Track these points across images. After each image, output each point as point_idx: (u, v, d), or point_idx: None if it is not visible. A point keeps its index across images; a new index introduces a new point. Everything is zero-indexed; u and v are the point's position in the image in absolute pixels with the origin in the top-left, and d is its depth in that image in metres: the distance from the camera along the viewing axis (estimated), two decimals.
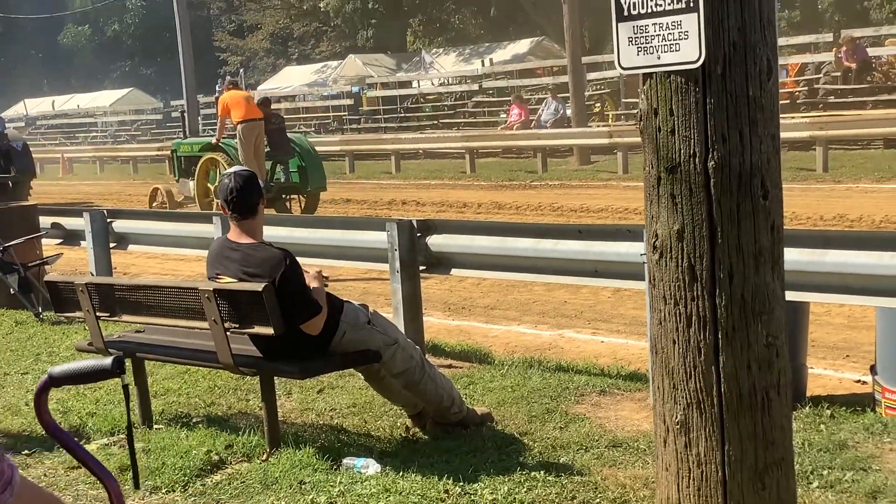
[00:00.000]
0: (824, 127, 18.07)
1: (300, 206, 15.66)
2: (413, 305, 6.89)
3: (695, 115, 2.94)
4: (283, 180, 15.42)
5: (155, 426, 5.57)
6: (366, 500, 4.28)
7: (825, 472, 4.37)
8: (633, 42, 3.05)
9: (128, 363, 5.39)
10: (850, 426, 4.98)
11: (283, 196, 15.43)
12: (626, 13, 3.05)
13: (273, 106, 19.49)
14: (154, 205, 16.67)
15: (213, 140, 15.81)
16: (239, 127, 14.81)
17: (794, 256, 4.88)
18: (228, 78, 16.66)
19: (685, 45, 2.92)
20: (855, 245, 5.19)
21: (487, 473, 4.53)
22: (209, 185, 15.27)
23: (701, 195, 2.94)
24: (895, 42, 24.01)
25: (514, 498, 4.23)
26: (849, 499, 4.11)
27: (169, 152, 16.38)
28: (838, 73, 23.40)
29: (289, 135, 15.97)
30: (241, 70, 48.44)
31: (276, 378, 5.20)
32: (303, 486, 4.52)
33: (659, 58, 2.99)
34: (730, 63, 2.90)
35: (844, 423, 5.03)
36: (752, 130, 2.94)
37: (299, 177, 15.49)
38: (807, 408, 5.21)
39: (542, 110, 26.04)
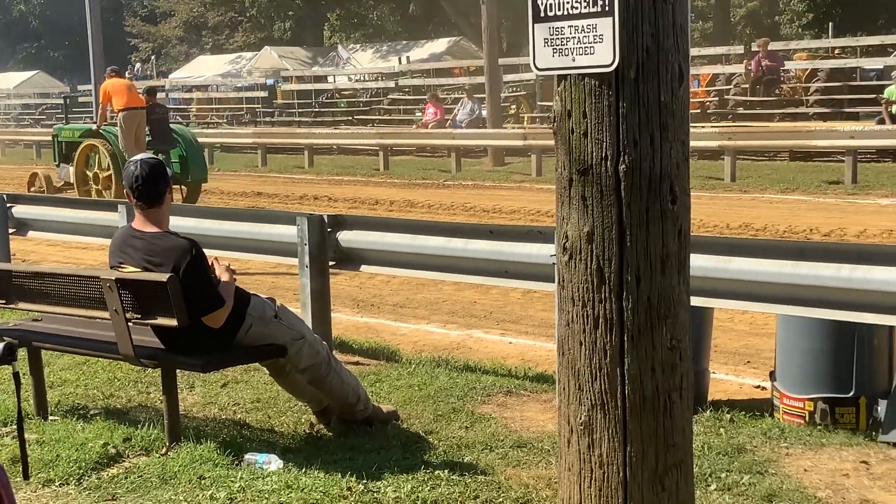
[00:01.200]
0: (733, 137, 18.45)
1: (181, 196, 15.72)
2: (321, 301, 6.82)
3: (607, 119, 2.95)
4: None
5: (50, 417, 5.42)
6: (267, 496, 4.22)
7: (723, 475, 4.44)
8: (549, 43, 3.05)
9: (23, 352, 5.25)
10: (748, 430, 5.07)
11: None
12: (542, 14, 3.05)
13: (185, 96, 19.68)
14: (32, 190, 16.82)
15: (94, 126, 15.99)
16: (120, 115, 15.00)
17: (699, 262, 4.95)
18: (110, 67, 16.85)
19: (600, 49, 2.93)
20: (759, 253, 5.28)
21: (391, 471, 4.51)
22: (88, 171, 15.55)
23: (611, 198, 2.96)
24: (802, 57, 24.65)
25: (418, 496, 4.21)
26: (745, 501, 4.18)
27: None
28: (748, 85, 23.92)
29: (172, 126, 16.21)
30: (153, 58, 47.67)
31: (178, 371, 5.09)
32: (202, 482, 4.43)
33: (574, 60, 3.00)
34: (643, 68, 2.92)
35: (743, 427, 5.13)
36: (663, 135, 2.97)
37: (180, 167, 15.58)
38: (707, 412, 5.30)
39: (458, 110, 26.11)
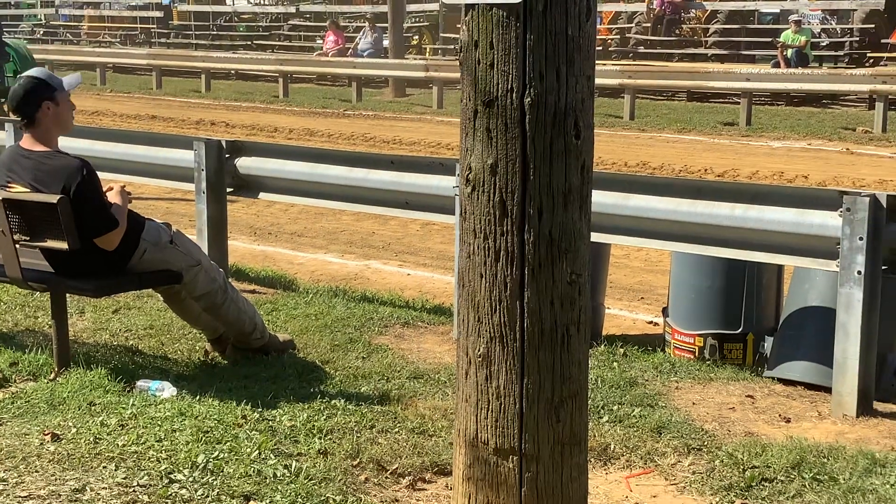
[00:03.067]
0: (633, 76, 18.64)
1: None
2: (218, 228, 6.71)
3: (514, 51, 2.92)
4: None
5: None
6: (159, 423, 4.16)
7: (615, 408, 4.54)
8: None
9: None
10: (640, 365, 5.19)
11: (1, 100, 15.69)
12: None
13: (76, 12, 19.41)
14: None
15: None
16: None
17: (598, 199, 4.98)
18: None
19: None
20: (657, 191, 5.36)
21: (287, 400, 4.49)
22: None
23: (516, 131, 2.94)
24: None
25: (313, 425, 4.20)
26: (636, 433, 4.28)
27: None
28: (649, 24, 24.13)
29: (6, 40, 16.12)
30: None
31: (68, 296, 4.96)
32: (92, 408, 4.35)
33: None
34: (551, 1, 2.89)
35: (636, 361, 5.24)
36: (569, 70, 2.95)
37: (14, 81, 15.30)
38: (602, 346, 5.40)
39: (360, 39, 25.77)
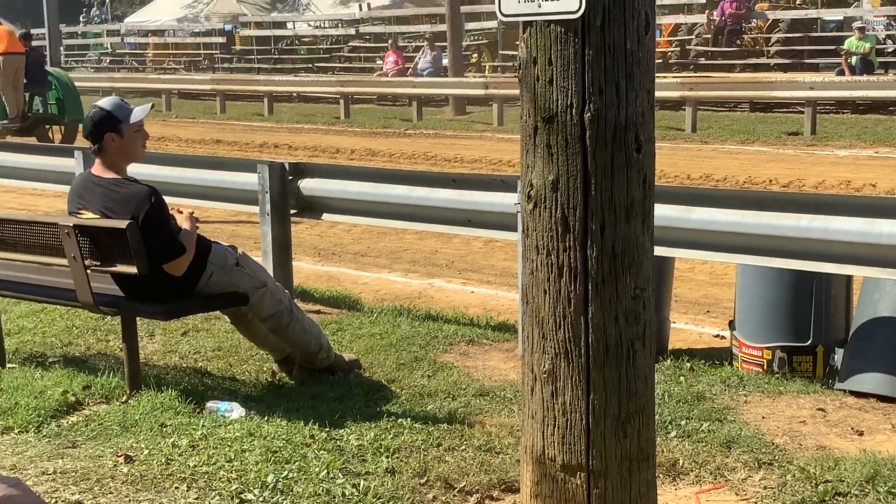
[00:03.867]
0: (694, 88, 18.49)
1: (60, 136, 16.59)
2: (283, 249, 6.78)
3: (573, 66, 2.92)
4: (41, 111, 16.50)
5: (8, 365, 5.37)
6: (229, 443, 4.21)
7: (683, 423, 4.49)
8: None
9: None
10: (708, 379, 5.13)
11: (45, 126, 16.60)
12: None
13: (140, 40, 20.35)
14: None
15: None
16: (0, 59, 15.52)
17: (661, 212, 4.96)
18: None
19: None
20: (720, 203, 5.31)
21: (354, 419, 4.51)
22: None
23: (576, 146, 2.94)
24: (764, 7, 24.68)
25: (381, 444, 4.22)
26: (705, 448, 4.23)
27: None
28: (709, 36, 23.95)
29: (49, 69, 17.09)
30: (108, 0, 46.77)
31: (138, 319, 5.05)
32: (164, 429, 4.42)
33: (539, 6, 2.96)
34: (609, 15, 2.89)
35: (703, 375, 5.18)
36: (629, 84, 2.95)
37: (57, 109, 16.44)
38: (668, 360, 5.35)
39: (419, 58, 25.92)
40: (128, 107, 4.91)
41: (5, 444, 4.35)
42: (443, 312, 6.63)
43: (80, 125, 16.41)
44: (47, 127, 16.70)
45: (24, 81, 15.85)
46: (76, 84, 17.50)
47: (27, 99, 16.23)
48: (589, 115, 2.90)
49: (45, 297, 5.42)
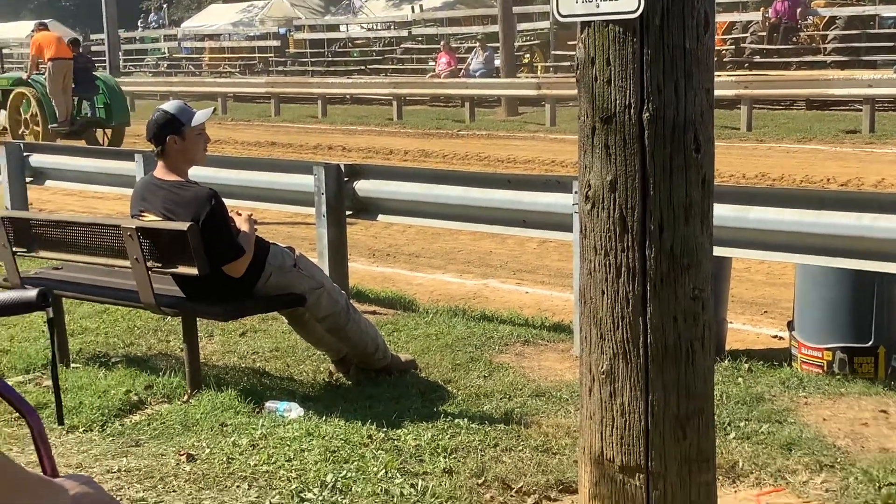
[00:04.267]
0: (749, 86, 18.29)
1: (107, 140, 17.34)
2: (339, 250, 6.84)
3: (631, 66, 2.91)
4: (89, 115, 17.11)
5: (72, 365, 5.47)
6: (288, 443, 4.25)
7: (742, 424, 4.46)
8: None
9: None
10: (766, 380, 5.08)
11: (93, 129, 17.26)
12: None
13: (197, 45, 21.12)
14: None
15: (24, 76, 17.28)
16: (49, 64, 16.21)
17: (718, 212, 4.90)
18: (37, 22, 18.64)
19: None
20: (778, 203, 5.26)
21: (411, 420, 4.54)
22: (19, 116, 17.06)
23: (635, 146, 2.93)
24: (820, 4, 24.35)
25: (438, 444, 4.24)
26: (764, 450, 4.20)
27: None
28: (764, 33, 23.68)
29: (96, 74, 17.58)
30: (164, 6, 47.39)
31: (198, 320, 5.12)
32: (224, 428, 4.47)
33: (598, 6, 2.96)
34: (668, 14, 2.88)
35: (761, 376, 5.14)
36: (688, 83, 2.93)
37: (105, 112, 17.07)
38: (726, 361, 5.31)
39: (471, 59, 25.94)
40: (191, 110, 4.98)
41: (70, 442, 4.43)
42: (497, 313, 6.63)
43: (126, 128, 17.25)
44: (95, 130, 17.27)
45: (73, 86, 16.42)
46: (135, 88, 17.91)
47: (76, 103, 16.78)
48: (647, 114, 2.89)
49: (107, 298, 5.52)
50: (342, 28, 34.60)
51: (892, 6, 23.75)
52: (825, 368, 5.27)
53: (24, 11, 54.26)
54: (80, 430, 4.57)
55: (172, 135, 4.87)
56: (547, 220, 6.02)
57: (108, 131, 17.31)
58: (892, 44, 21.99)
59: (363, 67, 30.99)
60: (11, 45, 43.52)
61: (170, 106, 5.00)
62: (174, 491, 3.87)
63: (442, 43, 27.53)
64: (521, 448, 4.24)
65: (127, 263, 4.95)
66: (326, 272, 6.33)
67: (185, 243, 4.66)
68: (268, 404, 4.76)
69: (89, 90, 16.89)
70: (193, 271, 4.73)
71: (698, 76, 2.95)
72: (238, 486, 3.90)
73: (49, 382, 5.00)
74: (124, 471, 4.05)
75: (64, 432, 4.52)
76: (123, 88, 18.37)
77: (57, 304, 5.48)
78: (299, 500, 3.78)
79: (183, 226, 4.66)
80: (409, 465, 4.06)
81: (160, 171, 4.95)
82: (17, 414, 1.97)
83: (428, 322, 6.28)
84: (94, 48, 37.08)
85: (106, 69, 32.38)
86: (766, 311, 6.94)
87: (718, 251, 5.03)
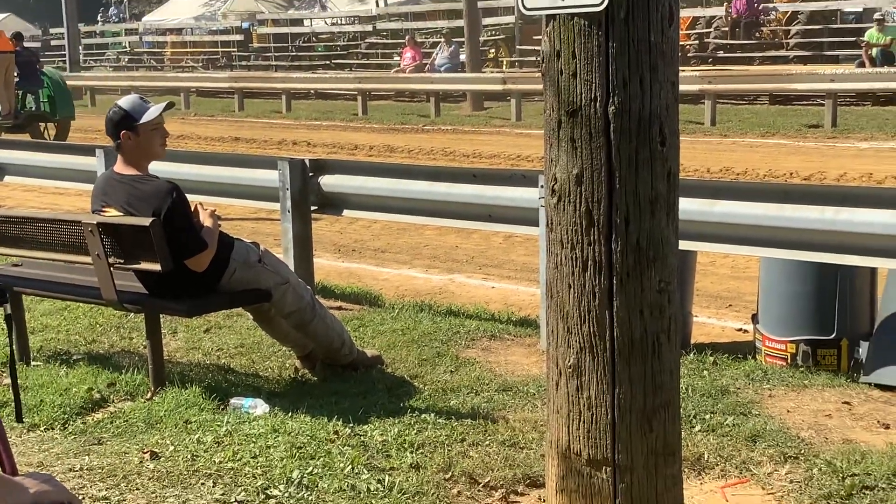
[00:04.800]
0: (713, 81, 18.42)
1: (53, 133, 17.28)
2: (304, 246, 6.80)
3: (597, 59, 2.91)
4: (33, 109, 17.11)
5: (33, 363, 5.40)
6: (254, 439, 4.22)
7: (707, 417, 4.48)
8: None
9: None
10: (731, 373, 5.11)
11: (37, 123, 17.21)
12: None
13: (158, 39, 21.03)
14: None
15: None
16: None
17: (684, 206, 4.91)
18: None
19: None
20: (743, 196, 5.28)
21: (377, 415, 4.52)
22: None
23: (600, 140, 2.93)
24: (784, 0, 24.56)
25: (405, 439, 4.22)
26: (729, 442, 4.22)
27: None
28: (728, 28, 23.84)
29: (41, 68, 17.63)
30: (125, 0, 46.94)
31: (161, 316, 5.07)
32: (188, 426, 4.43)
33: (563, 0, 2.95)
34: (633, 7, 2.88)
35: (727, 369, 5.16)
36: (653, 76, 2.93)
37: (49, 106, 17.10)
38: (691, 354, 5.33)
39: (436, 54, 25.91)
40: (145, 105, 4.91)
41: (32, 440, 4.37)
42: (464, 308, 6.62)
43: (70, 121, 17.20)
44: (39, 124, 17.27)
45: (17, 80, 16.47)
46: (96, 83, 17.72)
47: (20, 97, 16.79)
48: (613, 108, 2.89)
49: (69, 295, 5.45)
50: (306, 22, 34.45)
51: (852, 1, 24.01)
52: (789, 361, 5.30)
53: None
54: (42, 428, 4.51)
55: (126, 130, 4.81)
56: (513, 214, 6.01)
57: (54, 125, 17.34)
58: (853, 38, 22.21)
59: (328, 62, 30.90)
60: None
61: (124, 101, 4.93)
62: (137, 489, 3.83)
63: (407, 38, 27.48)
64: (488, 443, 4.23)
65: (88, 260, 4.89)
66: (292, 268, 6.29)
67: (147, 239, 4.60)
68: (233, 401, 4.72)
69: (33, 84, 16.94)
70: (156, 267, 4.67)
71: (663, 69, 2.95)
72: (203, 484, 3.86)
73: (8, 380, 4.93)
74: (86, 469, 4.00)
75: (25, 430, 4.46)
76: (83, 83, 18.22)
77: (17, 301, 5.40)
78: (265, 496, 3.75)
79: (145, 221, 4.60)
80: (375, 461, 4.03)
81: (120, 166, 4.89)
82: None
83: (394, 317, 6.25)
84: (53, 42, 36.66)
85: (66, 63, 32.06)
86: (730, 305, 6.98)
87: (684, 245, 5.04)
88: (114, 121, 4.84)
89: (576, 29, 2.93)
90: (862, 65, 20.03)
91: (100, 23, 42.81)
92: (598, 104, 2.91)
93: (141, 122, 4.82)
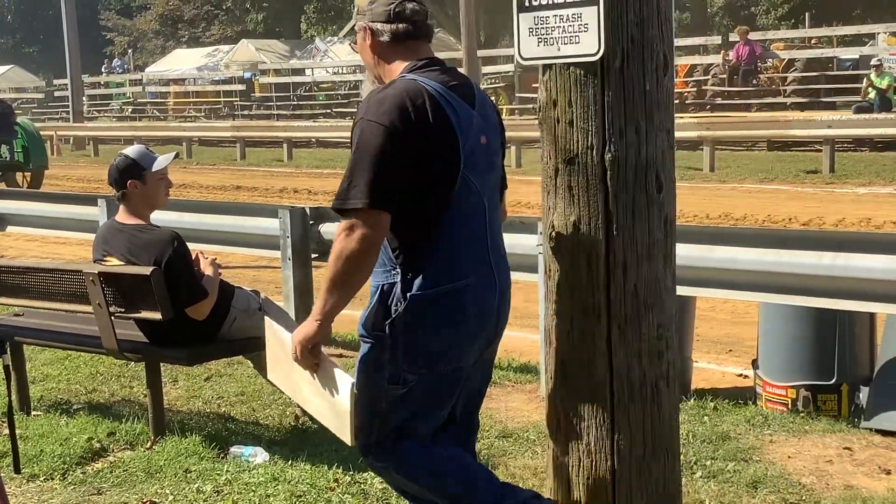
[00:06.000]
0: (711, 127, 18.50)
1: (27, 183, 17.71)
2: (305, 293, 6.81)
3: (593, 108, 2.95)
4: (7, 159, 17.42)
5: (33, 412, 5.40)
6: (253, 488, 4.21)
7: (708, 463, 4.47)
8: (534, 33, 3.04)
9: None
10: (732, 418, 5.10)
11: (13, 172, 17.60)
12: (527, 4, 3.05)
13: (162, 89, 21.30)
14: None
15: None
16: None
17: (683, 251, 4.96)
18: None
19: (585, 38, 2.93)
20: (741, 242, 5.30)
21: None
22: None
23: (597, 187, 2.96)
24: (780, 47, 24.75)
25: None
26: (731, 488, 4.21)
27: None
28: (725, 76, 24.01)
29: (17, 120, 17.97)
30: (130, 51, 47.37)
31: (162, 365, 5.07)
32: (188, 475, 4.42)
33: (559, 49, 2.99)
34: (628, 57, 2.92)
35: (727, 415, 5.15)
36: (649, 125, 2.97)
37: (23, 156, 17.49)
38: (691, 400, 5.32)
39: None
40: (152, 155, 4.98)
41: (31, 491, 4.36)
42: None
43: (45, 171, 17.43)
44: (14, 173, 17.63)
45: None
46: (99, 133, 17.89)
47: None
48: (609, 155, 2.92)
49: (69, 345, 5.46)
50: (307, 72, 34.70)
51: (849, 49, 24.21)
52: (789, 406, 5.29)
53: None
54: (41, 478, 4.50)
55: (133, 179, 4.86)
56: (511, 260, 5.95)
57: (28, 174, 17.73)
58: (850, 85, 22.36)
59: (329, 111, 31.07)
60: None
61: (131, 151, 4.99)
62: None
63: None
64: None
65: (89, 309, 4.91)
66: (292, 315, 6.30)
67: (148, 288, 4.62)
68: (233, 449, 4.72)
69: (8, 134, 17.28)
70: (157, 316, 4.69)
71: (659, 117, 2.98)
72: None
73: (7, 431, 4.93)
74: None
75: (24, 481, 4.45)
76: (87, 133, 18.40)
77: (17, 351, 5.41)
78: None
79: (146, 270, 4.63)
80: None
81: (122, 216, 4.93)
82: None
83: None
84: (56, 94, 36.86)
85: (69, 114, 32.28)
86: (730, 350, 6.98)
87: (683, 290, 5.06)
88: (120, 169, 4.89)
89: (572, 78, 2.97)
90: (861, 109, 20.11)
91: (104, 73, 43.16)
92: (594, 152, 2.94)
93: (152, 170, 4.87)
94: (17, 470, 3.87)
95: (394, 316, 3.16)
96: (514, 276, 6.16)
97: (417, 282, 3.12)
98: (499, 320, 3.36)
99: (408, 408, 3.20)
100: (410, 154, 3.05)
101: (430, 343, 3.15)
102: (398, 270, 3.15)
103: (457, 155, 3.11)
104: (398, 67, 3.24)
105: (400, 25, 3.24)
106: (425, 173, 3.08)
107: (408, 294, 3.12)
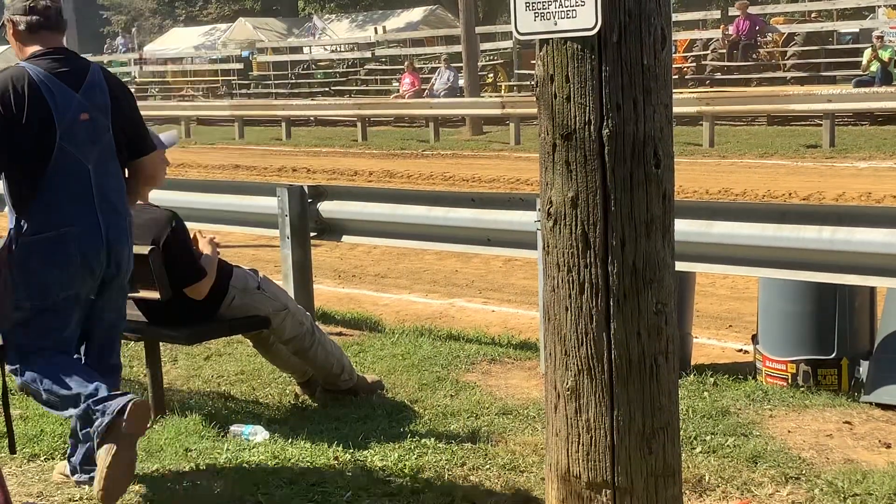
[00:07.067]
0: (711, 103, 18.46)
1: None
2: (303, 272, 6.80)
3: (590, 83, 2.93)
4: None
5: None
6: (254, 466, 4.21)
7: (708, 438, 4.47)
8: (531, 7, 3.02)
9: None
10: (732, 393, 5.10)
11: None
12: None
13: (159, 68, 20.53)
14: None
15: None
16: None
17: (682, 227, 4.94)
18: None
19: (582, 12, 2.91)
20: (741, 217, 5.29)
21: (377, 440, 4.51)
22: None
23: (595, 163, 2.94)
24: (779, 21, 24.65)
25: (405, 464, 4.22)
26: (730, 463, 4.21)
27: None
28: (725, 51, 23.93)
29: None
30: (134, 29, 47.19)
31: (161, 344, 5.07)
32: (188, 454, 4.42)
33: (556, 24, 2.97)
34: (625, 31, 2.90)
35: (727, 390, 5.16)
36: (647, 99, 2.94)
37: None
38: (691, 376, 5.33)
39: (435, 79, 26.01)
40: (155, 135, 4.93)
41: (32, 470, 4.36)
42: (464, 332, 6.62)
43: None
44: None
45: None
46: None
47: None
48: (607, 131, 2.90)
49: None
50: (305, 50, 34.59)
51: (849, 22, 24.11)
52: (789, 381, 5.30)
53: None
54: (41, 458, 4.50)
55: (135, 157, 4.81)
56: (511, 238, 6.02)
57: None
58: (850, 59, 22.28)
59: (327, 89, 31.00)
60: None
61: None
62: None
63: (405, 63, 27.59)
64: (488, 467, 4.23)
65: None
66: (291, 294, 6.29)
67: (146, 267, 4.61)
68: (233, 428, 4.72)
69: None
70: (155, 295, 4.68)
71: (657, 92, 2.96)
72: None
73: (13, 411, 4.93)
74: (87, 499, 3.99)
75: (25, 461, 4.45)
76: None
77: None
78: None
79: (144, 249, 4.61)
80: (375, 487, 4.03)
81: None
82: None
83: (394, 342, 6.25)
84: None
85: None
86: (730, 325, 6.98)
87: (682, 266, 5.06)
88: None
89: (569, 53, 2.94)
90: (861, 83, 20.02)
91: (106, 53, 42.99)
92: (591, 127, 2.92)
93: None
94: (13, 451, 3.88)
95: (12, 254, 3.85)
96: (514, 252, 6.23)
97: (25, 228, 3.86)
98: (109, 263, 3.99)
99: (30, 330, 3.91)
100: (6, 125, 3.78)
101: (38, 276, 3.88)
102: (16, 218, 3.88)
103: (52, 127, 3.82)
104: (28, 54, 3.96)
105: (33, 18, 3.97)
106: (21, 140, 3.80)
107: (19, 239, 3.86)
